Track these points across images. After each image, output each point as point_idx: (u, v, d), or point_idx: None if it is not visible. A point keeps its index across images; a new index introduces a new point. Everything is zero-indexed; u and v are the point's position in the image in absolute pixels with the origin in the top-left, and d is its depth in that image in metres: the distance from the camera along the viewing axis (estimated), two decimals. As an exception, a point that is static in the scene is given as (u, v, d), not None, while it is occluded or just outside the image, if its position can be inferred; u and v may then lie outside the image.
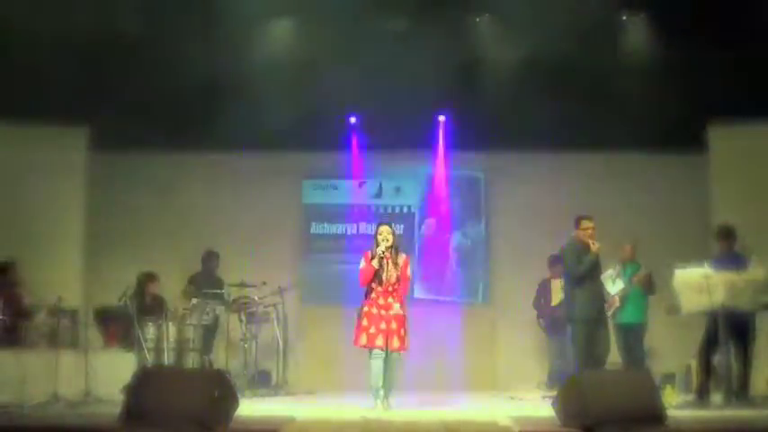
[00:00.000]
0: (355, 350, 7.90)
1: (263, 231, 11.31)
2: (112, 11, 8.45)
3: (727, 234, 8.38)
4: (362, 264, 7.73)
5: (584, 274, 8.18)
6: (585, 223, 8.33)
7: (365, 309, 7.65)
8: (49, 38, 8.54)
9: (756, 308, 8.01)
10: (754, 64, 8.92)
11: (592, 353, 8.02)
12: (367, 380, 7.66)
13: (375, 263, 7.60)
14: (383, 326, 7.53)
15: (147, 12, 8.59)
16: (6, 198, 9.83)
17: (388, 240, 7.62)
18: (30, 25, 8.34)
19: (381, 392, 7.52)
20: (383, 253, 7.58)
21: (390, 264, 7.62)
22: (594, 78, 9.65)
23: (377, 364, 7.57)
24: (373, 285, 7.64)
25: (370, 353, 7.58)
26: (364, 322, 7.62)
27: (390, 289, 7.62)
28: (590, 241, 8.20)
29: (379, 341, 7.51)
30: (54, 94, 9.13)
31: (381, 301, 7.60)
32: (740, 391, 7.91)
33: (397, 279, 7.64)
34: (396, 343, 7.51)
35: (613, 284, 8.15)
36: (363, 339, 7.58)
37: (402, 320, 7.58)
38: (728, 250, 8.26)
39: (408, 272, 7.80)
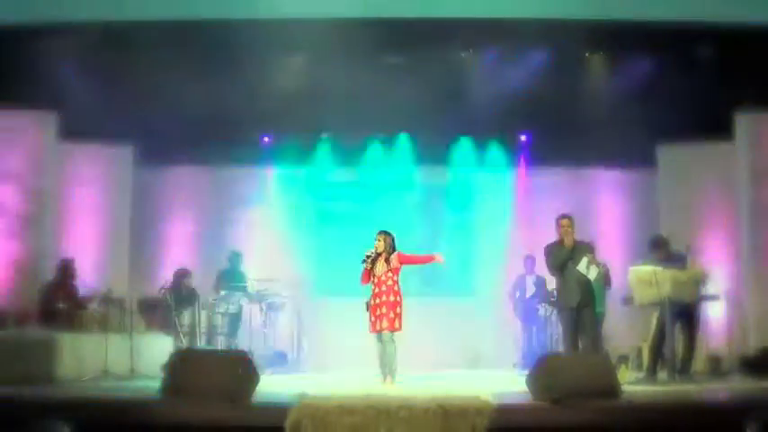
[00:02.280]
0: (359, 335, 7.94)
1: (281, 233, 11.35)
2: (157, 53, 8.52)
3: (659, 243, 8.33)
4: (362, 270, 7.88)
5: (557, 267, 7.81)
6: (562, 221, 7.84)
7: (368, 302, 7.76)
8: (108, 75, 8.66)
9: (696, 299, 8.03)
10: (696, 94, 8.98)
11: (576, 335, 7.70)
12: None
13: (367, 264, 7.75)
14: (377, 312, 7.62)
15: (185, 51, 8.66)
16: (67, 206, 9.88)
17: (377, 248, 7.77)
18: (87, 62, 8.43)
19: (385, 369, 7.59)
20: (367, 257, 7.73)
21: (382, 261, 7.73)
22: (562, 105, 9.69)
23: (378, 346, 7.68)
24: (372, 279, 7.76)
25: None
26: (369, 313, 7.72)
27: (384, 278, 7.68)
28: (564, 237, 7.78)
29: (377, 326, 7.61)
30: (109, 119, 9.23)
31: (376, 290, 7.68)
32: (683, 370, 7.90)
33: (388, 270, 7.69)
34: (384, 323, 7.56)
35: (588, 271, 7.83)
36: (369, 328, 7.70)
37: (392, 305, 7.58)
38: (665, 256, 8.13)
39: (408, 255, 7.95)
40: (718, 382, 8.16)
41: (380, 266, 7.73)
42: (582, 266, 7.71)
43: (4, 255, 9.45)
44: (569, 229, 7.80)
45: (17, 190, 9.54)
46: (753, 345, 9.23)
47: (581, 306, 7.72)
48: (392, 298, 7.63)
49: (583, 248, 7.80)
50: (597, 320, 8.88)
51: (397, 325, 7.60)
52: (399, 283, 7.77)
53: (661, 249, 8.22)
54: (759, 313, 9.45)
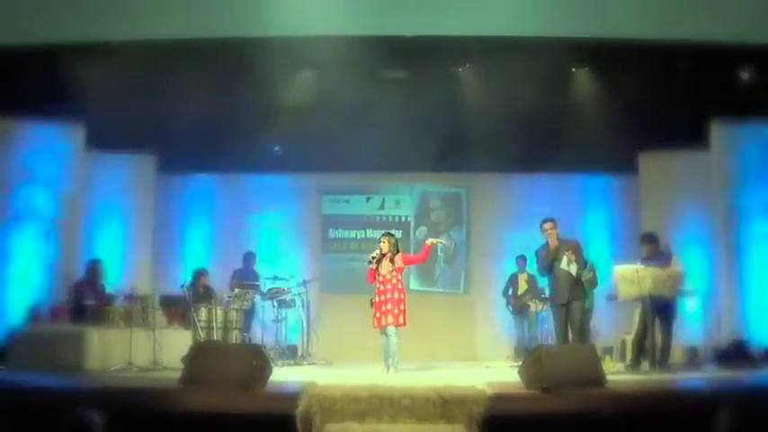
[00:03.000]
0: (363, 329, 7.96)
1: (292, 236, 11.38)
2: (177, 69, 8.57)
3: (650, 239, 8.39)
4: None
5: (545, 268, 7.90)
6: (544, 225, 7.89)
7: (373, 299, 7.79)
8: (132, 89, 8.73)
9: (675, 295, 8.05)
10: (675, 106, 9.02)
11: (566, 329, 7.73)
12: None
13: (373, 264, 7.76)
14: (383, 308, 7.64)
15: (203, 67, 8.71)
16: (94, 211, 9.94)
17: (381, 249, 7.78)
18: (112, 78, 8.50)
19: (389, 361, 7.62)
20: (373, 258, 7.75)
21: (387, 261, 7.74)
22: (551, 116, 9.73)
23: (383, 339, 7.70)
24: (377, 277, 7.77)
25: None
26: (373, 310, 7.74)
27: (389, 276, 7.71)
28: (549, 240, 7.85)
29: (383, 322, 7.64)
30: (133, 130, 9.29)
31: (381, 288, 7.70)
32: (662, 361, 7.91)
33: (393, 269, 7.70)
34: (390, 319, 7.57)
35: (569, 268, 7.86)
36: (374, 323, 7.71)
37: (396, 302, 7.58)
38: (654, 252, 8.20)
39: (410, 256, 8.25)
40: (694, 372, 8.19)
41: (385, 266, 7.75)
42: (564, 264, 7.76)
43: (37, 255, 9.50)
44: (552, 232, 7.85)
45: (49, 196, 9.61)
46: (725, 338, 9.27)
47: (570, 301, 7.77)
48: (396, 295, 7.65)
49: (565, 247, 7.82)
50: (585, 315, 8.92)
51: (401, 320, 7.62)
52: (403, 282, 7.82)
53: (651, 245, 8.25)
54: (731, 308, 9.50)
